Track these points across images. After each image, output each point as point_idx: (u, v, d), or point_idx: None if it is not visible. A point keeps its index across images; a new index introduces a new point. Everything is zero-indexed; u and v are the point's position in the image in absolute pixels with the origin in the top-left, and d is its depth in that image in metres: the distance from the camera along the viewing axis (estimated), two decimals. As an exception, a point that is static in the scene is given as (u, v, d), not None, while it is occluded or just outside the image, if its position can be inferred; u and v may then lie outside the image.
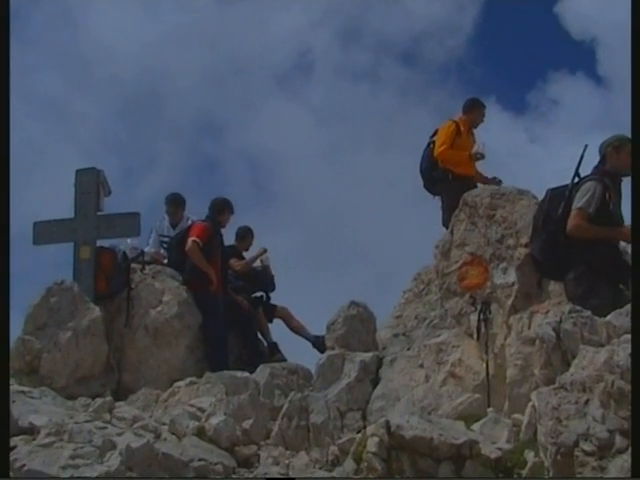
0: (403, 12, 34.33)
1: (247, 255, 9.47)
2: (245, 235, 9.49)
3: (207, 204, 8.79)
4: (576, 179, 6.20)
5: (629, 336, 4.57)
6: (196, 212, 9.25)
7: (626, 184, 6.15)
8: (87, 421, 5.37)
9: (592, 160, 6.36)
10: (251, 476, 5.26)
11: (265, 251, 9.35)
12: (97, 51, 32.71)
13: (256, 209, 24.96)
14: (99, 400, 6.27)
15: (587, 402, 4.27)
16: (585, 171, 6.27)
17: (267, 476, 5.13)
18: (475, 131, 8.93)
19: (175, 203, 9.38)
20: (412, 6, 35.57)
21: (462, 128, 8.70)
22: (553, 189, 6.30)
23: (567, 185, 6.19)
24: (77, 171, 8.35)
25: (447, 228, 7.68)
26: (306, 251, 24.08)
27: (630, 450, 3.89)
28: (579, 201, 6.01)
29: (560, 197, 6.15)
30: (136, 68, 34.33)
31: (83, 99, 33.77)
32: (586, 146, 6.29)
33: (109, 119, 33.88)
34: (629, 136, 6.24)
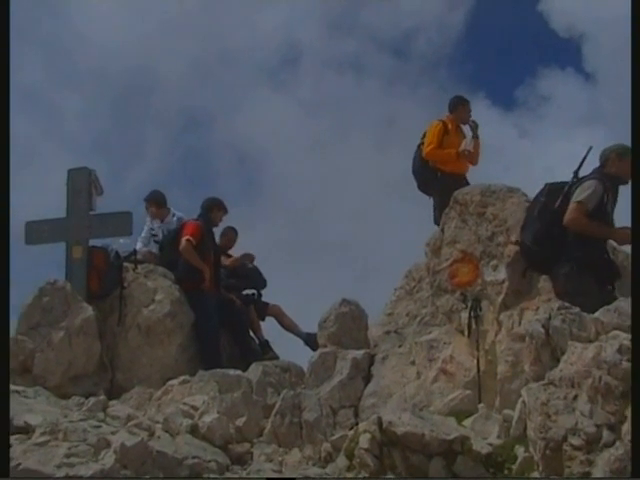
0: (393, 8, 34.20)
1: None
2: (226, 233, 9.50)
3: (194, 197, 8.92)
4: (574, 179, 6.30)
5: (617, 332, 4.63)
6: (183, 205, 9.26)
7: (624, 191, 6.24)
8: (81, 420, 5.41)
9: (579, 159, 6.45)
10: (244, 473, 5.29)
11: (253, 258, 9.38)
12: (82, 44, 32.37)
13: (243, 203, 24.88)
14: (93, 399, 6.30)
15: (575, 397, 4.33)
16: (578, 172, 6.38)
17: (261, 473, 5.16)
18: (466, 128, 8.99)
19: (156, 202, 9.32)
20: (403, 2, 35.61)
21: (449, 126, 8.76)
22: (551, 184, 6.39)
23: (566, 182, 6.30)
24: (69, 170, 8.38)
25: (439, 226, 7.73)
26: (293, 246, 24.03)
27: (631, 449, 3.94)
28: (579, 195, 6.10)
29: (558, 192, 6.24)
30: (123, 61, 34.13)
31: (68, 93, 33.56)
32: (590, 148, 6.40)
33: (95, 113, 33.58)
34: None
